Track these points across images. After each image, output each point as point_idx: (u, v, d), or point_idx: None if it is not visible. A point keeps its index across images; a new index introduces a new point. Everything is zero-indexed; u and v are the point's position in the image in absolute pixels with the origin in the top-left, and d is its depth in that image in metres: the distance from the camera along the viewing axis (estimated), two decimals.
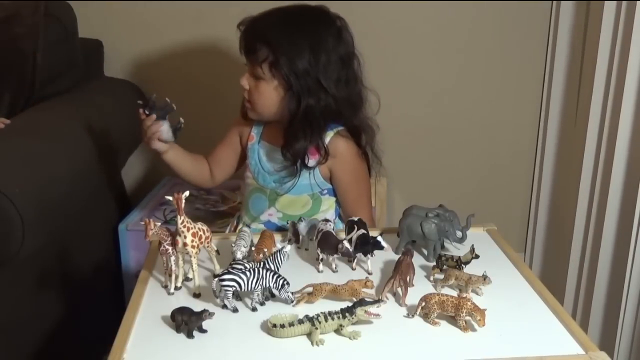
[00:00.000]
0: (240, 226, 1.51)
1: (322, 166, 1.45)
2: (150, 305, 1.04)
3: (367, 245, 1.13)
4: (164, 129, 1.40)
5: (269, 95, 1.39)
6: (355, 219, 1.23)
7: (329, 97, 1.38)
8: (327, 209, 1.50)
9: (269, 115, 1.43)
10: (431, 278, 1.13)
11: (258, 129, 1.52)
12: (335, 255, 1.15)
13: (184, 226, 1.05)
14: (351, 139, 1.45)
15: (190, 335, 0.94)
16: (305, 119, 1.37)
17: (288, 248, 1.09)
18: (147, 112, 1.39)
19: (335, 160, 1.44)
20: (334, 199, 1.50)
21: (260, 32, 1.38)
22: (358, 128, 1.46)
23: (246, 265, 1.03)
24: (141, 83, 2.02)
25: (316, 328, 0.93)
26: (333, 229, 1.21)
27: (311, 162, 1.43)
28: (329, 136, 1.43)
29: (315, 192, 1.47)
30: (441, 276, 1.10)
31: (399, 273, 1.05)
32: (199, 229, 1.08)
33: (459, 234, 1.21)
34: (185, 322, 0.94)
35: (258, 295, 1.02)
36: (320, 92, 1.37)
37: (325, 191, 1.49)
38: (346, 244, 1.13)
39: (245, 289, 1.00)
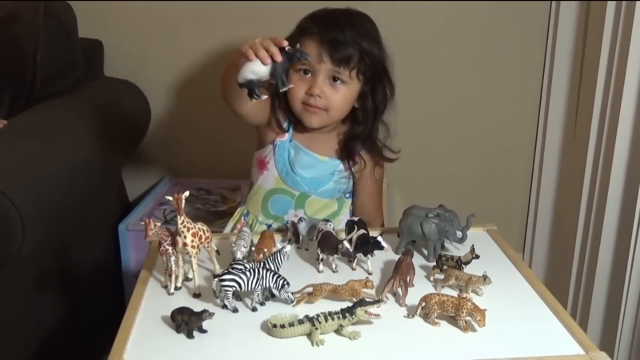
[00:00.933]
0: (254, 225, 1.50)
1: (356, 172, 1.48)
2: (150, 305, 1.04)
3: (367, 246, 1.13)
4: (280, 67, 1.14)
5: (350, 99, 1.40)
6: (355, 219, 1.23)
7: (388, 98, 1.44)
8: (347, 211, 1.52)
9: (338, 119, 1.44)
10: (431, 278, 1.13)
11: (290, 127, 1.48)
12: (335, 256, 1.15)
13: (184, 226, 1.05)
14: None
15: (190, 335, 0.94)
16: (374, 120, 1.43)
17: (288, 248, 1.09)
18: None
19: (366, 169, 1.49)
20: (350, 200, 1.53)
21: (350, 36, 1.35)
22: (377, 130, 1.50)
23: (246, 265, 1.03)
24: (141, 83, 2.02)
25: (316, 328, 0.93)
26: (333, 229, 1.21)
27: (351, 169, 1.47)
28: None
29: (341, 195, 1.50)
30: (441, 276, 1.10)
31: (399, 273, 1.05)
32: (199, 229, 1.08)
33: (459, 234, 1.21)
34: (185, 322, 0.94)
35: (258, 295, 1.02)
36: (386, 93, 1.43)
37: (348, 194, 1.51)
38: (346, 244, 1.13)
39: (245, 289, 1.00)
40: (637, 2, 1.55)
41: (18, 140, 1.40)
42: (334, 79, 1.36)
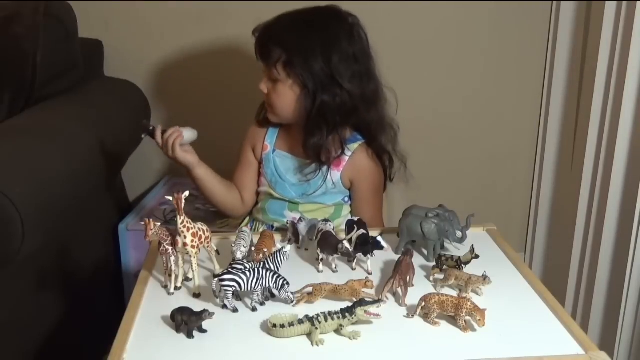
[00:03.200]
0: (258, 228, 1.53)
1: (344, 177, 1.48)
2: (150, 305, 1.04)
3: (367, 245, 1.13)
4: (182, 130, 1.42)
5: (286, 95, 1.41)
6: (355, 219, 1.23)
7: (344, 93, 1.39)
8: (345, 214, 1.53)
9: (288, 115, 1.44)
10: (431, 278, 1.13)
11: (272, 137, 1.52)
12: (335, 255, 1.15)
13: (184, 226, 1.05)
14: (368, 149, 1.48)
15: (190, 335, 0.94)
16: (320, 115, 1.40)
17: (288, 248, 1.09)
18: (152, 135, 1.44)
19: (358, 172, 1.48)
20: (349, 204, 1.53)
21: (272, 34, 1.40)
22: (376, 132, 1.48)
23: (246, 265, 1.03)
24: (141, 83, 2.02)
25: (316, 328, 0.93)
26: (333, 229, 1.21)
27: (334, 173, 1.46)
28: (353, 147, 1.46)
29: (339, 201, 1.50)
30: (441, 276, 1.10)
31: (398, 273, 1.05)
32: (199, 229, 1.08)
33: (459, 234, 1.21)
34: (185, 322, 0.94)
35: (258, 295, 1.02)
36: (335, 88, 1.39)
37: (347, 198, 1.52)
38: (346, 244, 1.13)
39: (245, 289, 1.00)
40: (637, 2, 1.55)
41: (18, 140, 1.39)
42: (270, 78, 1.42)
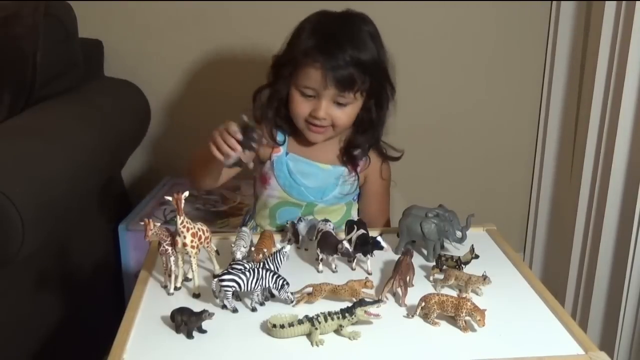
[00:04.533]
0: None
1: (361, 175, 1.47)
2: (150, 305, 1.04)
3: (366, 246, 1.13)
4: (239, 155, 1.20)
5: (355, 114, 1.37)
6: (355, 219, 1.23)
7: (392, 100, 1.42)
8: (354, 212, 1.52)
9: (343, 132, 1.42)
10: (431, 278, 1.13)
11: (281, 140, 1.45)
12: (335, 256, 1.15)
13: (184, 226, 1.05)
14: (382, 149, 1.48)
15: (190, 335, 0.94)
16: (376, 127, 1.41)
17: (288, 248, 1.09)
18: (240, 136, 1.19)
19: (372, 169, 1.48)
20: (356, 201, 1.53)
21: (353, 60, 1.30)
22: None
23: (246, 265, 1.03)
24: (141, 83, 2.02)
25: (316, 328, 0.93)
26: (333, 229, 1.21)
27: (357, 175, 1.46)
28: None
29: (350, 200, 1.49)
30: (441, 276, 1.10)
31: (398, 273, 1.05)
32: (198, 229, 1.08)
33: (458, 234, 1.21)
34: (185, 322, 0.94)
35: (258, 295, 1.02)
36: (389, 97, 1.41)
37: (356, 197, 1.51)
38: (346, 244, 1.13)
39: (245, 289, 1.00)
40: (637, 2, 1.55)
41: (18, 140, 1.39)
42: (339, 102, 1.33)
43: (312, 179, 1.43)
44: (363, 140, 1.44)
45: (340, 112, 1.34)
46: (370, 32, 1.37)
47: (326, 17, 1.37)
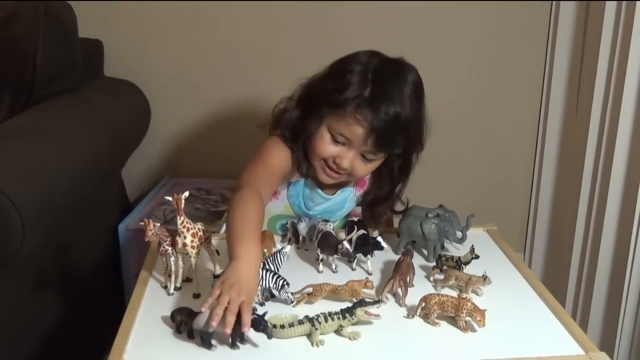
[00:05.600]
0: None
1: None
2: (150, 305, 1.04)
3: (367, 246, 1.13)
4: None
5: (374, 168, 1.32)
6: (355, 219, 1.23)
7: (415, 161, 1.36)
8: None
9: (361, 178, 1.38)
10: (431, 278, 1.13)
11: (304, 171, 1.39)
12: (335, 256, 1.15)
13: (184, 226, 1.05)
14: None
15: (190, 335, 0.94)
16: (403, 174, 1.36)
17: (288, 248, 1.09)
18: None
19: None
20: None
21: (399, 122, 1.23)
22: None
23: None
24: (141, 83, 2.02)
25: (316, 329, 0.93)
26: (333, 229, 1.21)
27: (358, 191, 1.42)
28: None
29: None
30: (441, 276, 1.10)
31: (398, 273, 1.05)
32: (198, 229, 1.08)
33: (459, 234, 1.21)
34: (185, 322, 0.94)
35: (258, 295, 1.02)
36: (417, 157, 1.35)
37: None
38: (346, 244, 1.13)
39: None
40: (637, 2, 1.55)
41: (18, 140, 1.39)
42: (366, 157, 1.27)
43: (320, 205, 1.40)
44: (381, 195, 1.37)
45: (362, 165, 1.28)
46: (418, 92, 1.30)
47: (381, 64, 1.27)
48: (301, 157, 1.32)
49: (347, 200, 1.42)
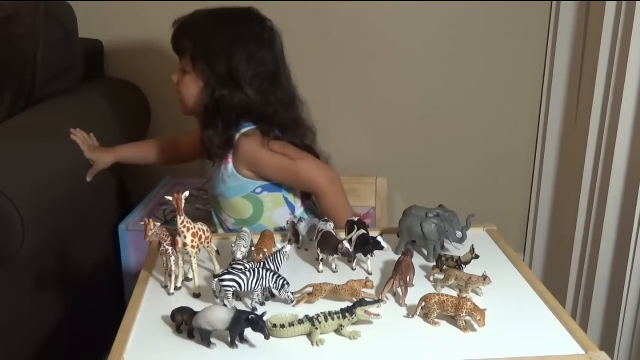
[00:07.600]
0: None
1: (242, 168, 1.46)
2: (150, 305, 1.04)
3: (367, 245, 1.13)
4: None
5: (190, 87, 1.45)
6: (355, 219, 1.23)
7: (242, 94, 1.41)
8: (276, 206, 1.49)
9: (190, 107, 1.48)
10: (431, 278, 1.13)
11: None
12: (335, 255, 1.15)
13: (184, 226, 1.05)
14: (258, 136, 1.44)
15: (190, 335, 0.94)
16: (216, 111, 1.42)
17: (288, 248, 1.09)
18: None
19: (249, 160, 1.45)
20: (277, 193, 1.49)
21: (184, 27, 1.46)
22: (274, 125, 1.46)
23: (246, 265, 1.03)
24: (141, 83, 2.02)
25: (316, 328, 0.93)
26: (333, 229, 1.21)
27: (227, 165, 1.45)
28: (235, 138, 1.45)
29: (248, 193, 1.47)
30: (441, 276, 1.10)
31: (398, 273, 1.05)
32: (198, 229, 1.08)
33: (458, 234, 1.21)
34: (185, 322, 0.94)
35: (258, 295, 1.02)
36: (234, 88, 1.41)
37: (260, 189, 1.48)
38: (346, 244, 1.13)
39: (245, 289, 1.00)
40: (637, 2, 1.55)
41: (18, 141, 1.39)
42: (183, 70, 1.46)
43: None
44: (206, 124, 1.46)
45: (181, 79, 1.47)
46: (233, 27, 1.43)
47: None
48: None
49: (220, 171, 1.48)
